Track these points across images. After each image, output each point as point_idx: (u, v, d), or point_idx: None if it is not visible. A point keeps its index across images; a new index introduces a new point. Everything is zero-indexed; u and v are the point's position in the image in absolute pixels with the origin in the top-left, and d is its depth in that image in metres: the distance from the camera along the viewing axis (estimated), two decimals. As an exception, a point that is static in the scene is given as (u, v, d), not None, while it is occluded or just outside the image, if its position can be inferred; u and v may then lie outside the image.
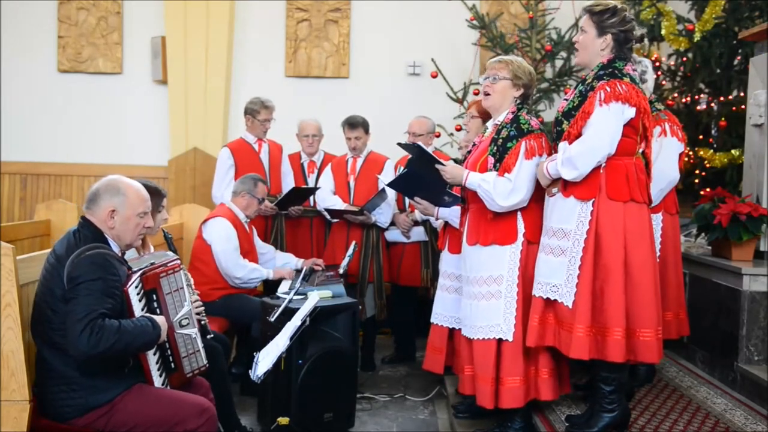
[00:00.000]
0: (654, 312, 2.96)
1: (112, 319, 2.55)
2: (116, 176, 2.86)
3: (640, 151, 3.07)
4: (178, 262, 2.95)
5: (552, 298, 3.04)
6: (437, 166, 3.37)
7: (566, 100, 3.13)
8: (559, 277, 3.01)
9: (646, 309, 2.94)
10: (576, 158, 2.93)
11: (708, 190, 4.78)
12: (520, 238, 3.24)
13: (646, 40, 5.76)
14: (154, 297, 2.77)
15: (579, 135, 2.98)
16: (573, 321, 2.95)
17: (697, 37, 5.55)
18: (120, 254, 2.82)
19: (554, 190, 3.08)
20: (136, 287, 2.71)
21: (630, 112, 2.94)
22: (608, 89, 2.93)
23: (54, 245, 2.77)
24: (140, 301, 2.72)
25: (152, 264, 2.83)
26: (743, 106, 4.71)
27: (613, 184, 2.95)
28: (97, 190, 2.80)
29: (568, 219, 3.00)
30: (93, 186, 2.84)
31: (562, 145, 3.03)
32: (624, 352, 2.91)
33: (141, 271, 2.74)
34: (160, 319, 2.71)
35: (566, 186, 3.01)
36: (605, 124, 2.91)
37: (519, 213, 3.25)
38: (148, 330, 2.63)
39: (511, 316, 3.22)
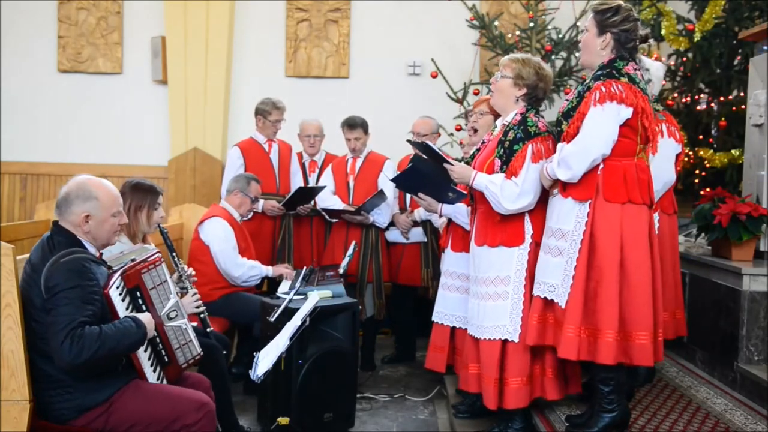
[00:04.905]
0: (650, 314, 2.94)
1: (93, 325, 2.51)
2: (84, 177, 2.78)
3: (642, 152, 3.06)
4: (159, 255, 2.91)
5: (549, 298, 3.04)
6: (445, 164, 3.36)
7: (566, 100, 3.13)
8: (556, 277, 3.01)
9: (642, 311, 2.92)
10: (569, 158, 2.93)
11: (708, 190, 4.78)
12: (528, 240, 3.24)
13: (652, 40, 5.73)
14: (138, 294, 2.75)
15: (576, 135, 2.97)
16: (563, 321, 2.95)
17: (697, 37, 5.55)
18: (98, 255, 2.78)
19: (554, 191, 3.08)
20: (118, 287, 2.67)
21: (626, 113, 2.92)
22: (603, 89, 2.92)
23: (30, 253, 2.73)
24: (123, 300, 2.69)
25: (133, 260, 2.80)
26: (743, 106, 4.72)
27: (610, 186, 2.94)
28: (67, 194, 2.72)
29: (566, 219, 3.00)
30: (62, 190, 2.75)
31: (560, 146, 3.04)
32: (614, 354, 2.90)
33: (122, 270, 2.71)
34: (145, 317, 2.68)
35: (565, 187, 3.01)
36: (599, 124, 2.90)
37: (527, 215, 3.25)
38: (132, 330, 2.59)
39: (517, 317, 3.22)
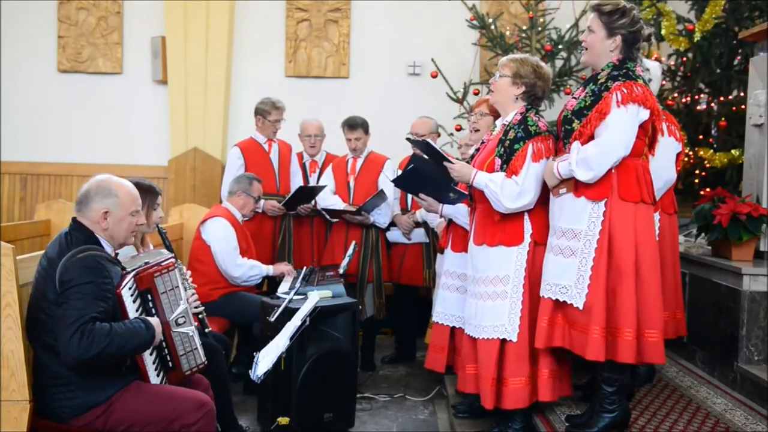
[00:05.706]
0: (660, 312, 2.95)
1: (103, 322, 2.53)
2: (106, 176, 2.82)
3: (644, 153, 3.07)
4: (173, 260, 2.93)
5: (561, 300, 3.02)
6: (445, 163, 3.35)
7: (575, 98, 3.09)
8: (568, 278, 2.98)
9: (653, 309, 2.93)
10: (591, 159, 2.90)
11: (708, 190, 4.78)
12: (527, 239, 3.23)
13: (653, 39, 5.75)
14: (149, 297, 2.76)
15: (592, 135, 2.95)
16: (588, 323, 2.92)
17: (697, 37, 5.55)
18: (113, 254, 2.80)
19: (562, 190, 3.04)
20: (130, 288, 2.69)
21: (644, 114, 2.93)
22: (625, 90, 2.90)
23: (46, 248, 2.75)
24: (134, 302, 2.70)
25: (146, 263, 2.81)
26: (743, 106, 4.71)
27: (626, 185, 2.93)
28: (88, 191, 2.76)
29: (579, 219, 2.98)
30: (82, 187, 2.79)
31: (575, 145, 2.98)
32: (635, 352, 2.89)
33: (135, 272, 2.72)
34: (154, 321, 2.70)
35: (577, 186, 2.98)
36: (622, 126, 2.89)
37: (526, 214, 3.24)
38: (141, 332, 2.61)
39: (516, 317, 3.21)
